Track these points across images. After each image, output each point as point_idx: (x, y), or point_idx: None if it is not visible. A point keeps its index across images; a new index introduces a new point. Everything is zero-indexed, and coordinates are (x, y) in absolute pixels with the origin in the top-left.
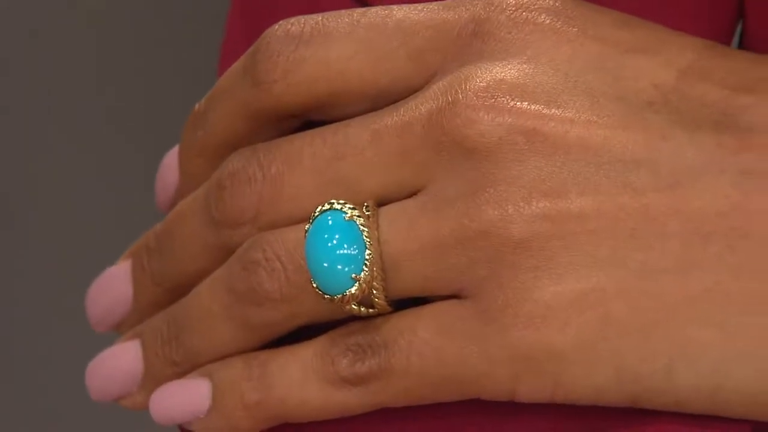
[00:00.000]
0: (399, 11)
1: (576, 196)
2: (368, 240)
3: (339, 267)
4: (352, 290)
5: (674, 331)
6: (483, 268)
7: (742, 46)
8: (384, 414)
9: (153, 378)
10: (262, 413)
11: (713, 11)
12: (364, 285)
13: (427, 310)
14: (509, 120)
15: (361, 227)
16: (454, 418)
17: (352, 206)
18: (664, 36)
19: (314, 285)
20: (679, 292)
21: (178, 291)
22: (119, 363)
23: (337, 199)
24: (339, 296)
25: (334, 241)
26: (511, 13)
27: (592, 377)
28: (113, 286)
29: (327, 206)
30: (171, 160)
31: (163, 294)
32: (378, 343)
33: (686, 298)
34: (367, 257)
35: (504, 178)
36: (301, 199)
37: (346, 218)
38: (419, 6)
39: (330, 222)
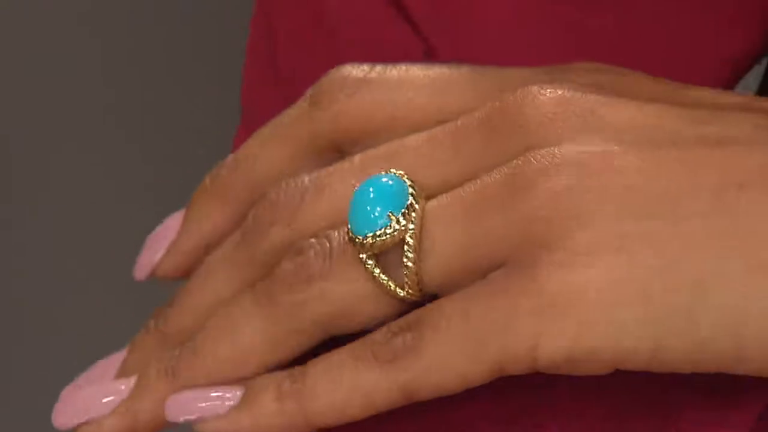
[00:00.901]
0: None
1: (620, 153)
2: (413, 199)
3: (379, 231)
4: (385, 229)
5: (698, 264)
6: (519, 230)
7: None
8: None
9: (140, 394)
10: (294, 408)
11: (747, 19)
12: (396, 232)
13: (464, 289)
14: (568, 98)
15: (409, 186)
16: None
17: (402, 171)
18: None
19: (349, 230)
20: (706, 231)
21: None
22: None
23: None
24: (370, 235)
25: (376, 214)
26: (585, 69)
27: (616, 316)
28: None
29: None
30: (166, 230)
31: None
32: (414, 321)
33: (713, 234)
34: (407, 208)
35: (553, 142)
36: (346, 191)
37: (395, 176)
38: None
39: (372, 194)
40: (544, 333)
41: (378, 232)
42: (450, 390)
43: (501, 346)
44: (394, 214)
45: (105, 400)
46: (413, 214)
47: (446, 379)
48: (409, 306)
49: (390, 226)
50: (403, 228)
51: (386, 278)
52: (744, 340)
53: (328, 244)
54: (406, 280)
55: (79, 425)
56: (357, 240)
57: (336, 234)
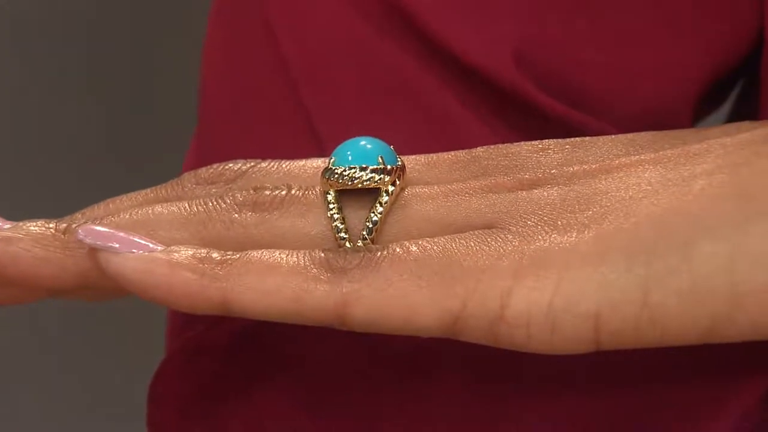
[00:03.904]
0: None
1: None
2: (401, 165)
3: (362, 170)
4: (369, 172)
5: (688, 221)
6: (507, 202)
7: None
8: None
9: (25, 226)
10: (216, 273)
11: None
12: (378, 180)
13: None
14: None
15: (399, 158)
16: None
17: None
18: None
19: (330, 162)
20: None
21: None
22: None
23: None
24: (353, 168)
25: (367, 150)
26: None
27: (604, 269)
28: None
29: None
30: None
31: None
32: (383, 244)
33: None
34: (394, 168)
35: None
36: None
37: (392, 149)
38: None
39: (366, 144)
40: (521, 281)
41: (361, 169)
42: (387, 324)
43: (473, 284)
44: (384, 161)
45: None
46: (397, 178)
47: (392, 307)
48: None
49: (375, 170)
50: (382, 180)
51: (342, 224)
52: (737, 275)
53: (287, 189)
54: (363, 228)
55: None
56: (335, 172)
57: (297, 185)
